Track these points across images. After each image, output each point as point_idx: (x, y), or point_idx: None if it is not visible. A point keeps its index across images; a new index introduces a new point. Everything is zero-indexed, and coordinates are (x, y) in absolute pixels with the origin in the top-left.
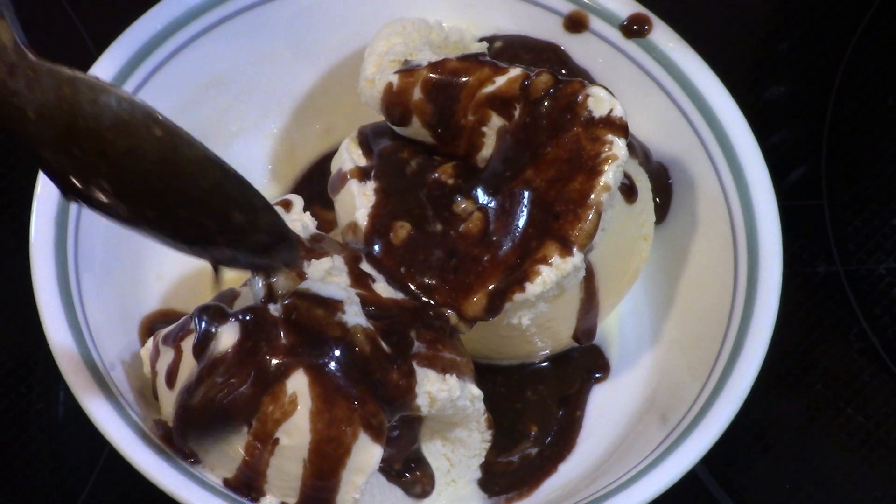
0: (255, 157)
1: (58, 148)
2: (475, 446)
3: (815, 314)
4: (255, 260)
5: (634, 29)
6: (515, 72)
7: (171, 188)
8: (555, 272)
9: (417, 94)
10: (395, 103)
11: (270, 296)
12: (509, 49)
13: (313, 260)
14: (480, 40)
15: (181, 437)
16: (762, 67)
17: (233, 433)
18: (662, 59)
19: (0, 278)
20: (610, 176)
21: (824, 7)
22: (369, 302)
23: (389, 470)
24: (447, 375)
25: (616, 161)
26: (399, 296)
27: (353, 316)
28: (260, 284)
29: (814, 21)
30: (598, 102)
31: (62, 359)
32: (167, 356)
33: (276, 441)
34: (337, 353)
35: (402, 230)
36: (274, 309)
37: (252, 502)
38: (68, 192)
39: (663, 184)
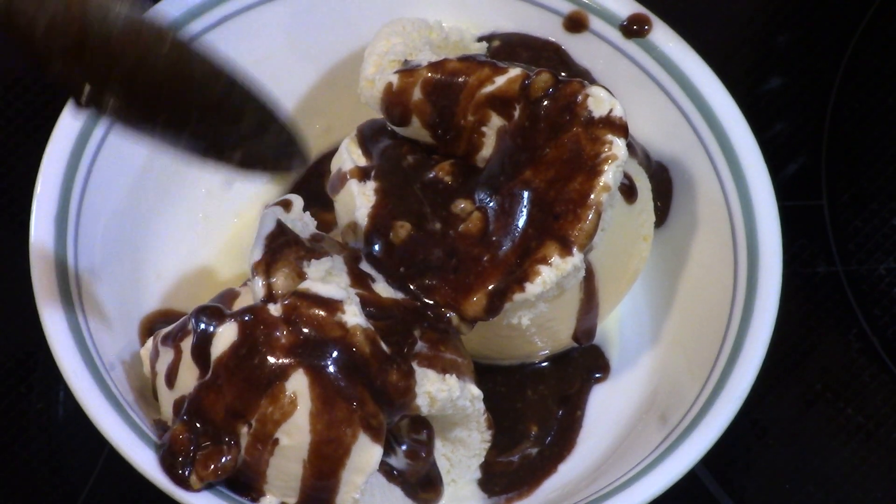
0: None
1: (67, 60)
2: (475, 446)
3: (814, 314)
4: (266, 167)
5: (634, 29)
6: (515, 72)
7: (180, 97)
8: (555, 272)
9: (417, 94)
10: (394, 103)
11: (270, 295)
12: (507, 47)
13: (313, 260)
14: (479, 40)
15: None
16: (762, 63)
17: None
18: (662, 59)
19: (0, 278)
20: (610, 176)
21: (824, 5)
22: (369, 302)
23: (404, 484)
24: (447, 375)
25: (616, 161)
26: (399, 296)
27: (353, 316)
28: (260, 284)
29: (814, 20)
30: (598, 102)
31: (62, 359)
32: (167, 356)
33: (276, 441)
34: (337, 353)
35: (402, 230)
36: (274, 309)
37: (252, 502)
38: (79, 101)
39: (664, 187)
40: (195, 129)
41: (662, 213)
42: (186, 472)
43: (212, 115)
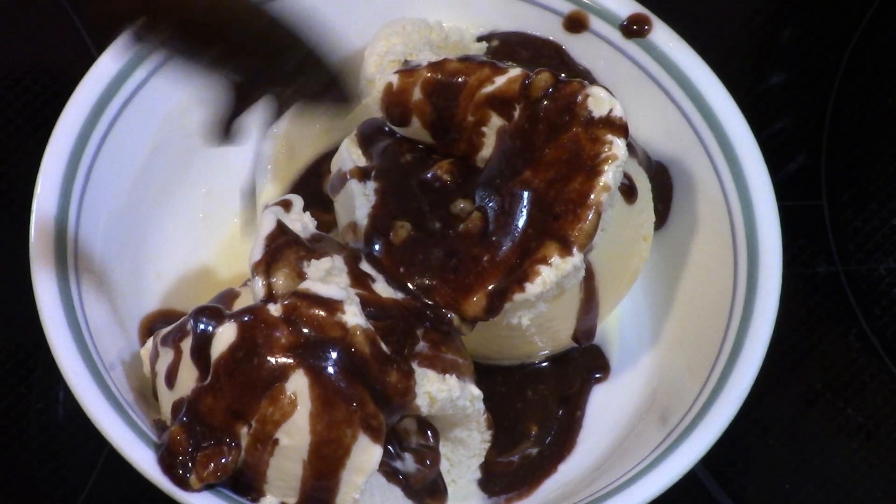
0: (255, 157)
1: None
2: (475, 446)
3: (814, 314)
4: (313, 101)
5: (634, 29)
6: (515, 72)
7: (222, 35)
8: (554, 272)
9: (417, 94)
10: (394, 103)
11: (270, 296)
12: (506, 46)
13: (313, 260)
14: (479, 39)
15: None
16: (761, 63)
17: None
18: (662, 60)
19: (0, 278)
20: (610, 176)
21: (824, 4)
22: (369, 302)
23: (407, 488)
24: (447, 376)
25: (616, 161)
26: (399, 296)
27: (353, 316)
28: (260, 284)
29: (814, 20)
30: (598, 102)
31: (62, 359)
32: (167, 357)
33: (276, 442)
34: (337, 353)
35: (402, 230)
36: (273, 309)
37: (252, 502)
38: (135, 32)
39: (664, 189)
40: (238, 63)
41: (662, 215)
42: (186, 473)
43: (255, 51)
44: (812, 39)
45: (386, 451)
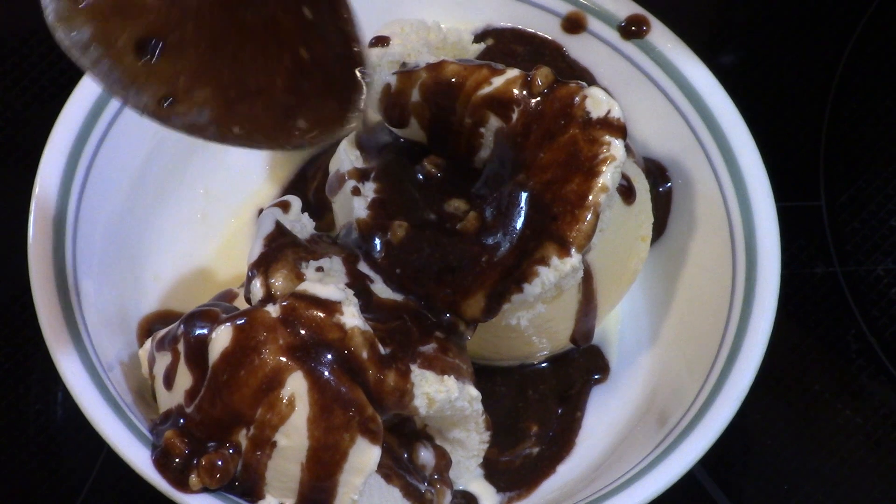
0: (253, 157)
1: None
2: (474, 447)
3: (813, 315)
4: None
5: (633, 30)
6: (513, 73)
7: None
8: (553, 273)
9: (415, 95)
10: (393, 105)
11: (269, 296)
12: (502, 44)
13: (311, 261)
14: (475, 40)
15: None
16: (760, 63)
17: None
18: (661, 60)
19: None
20: (608, 177)
21: (823, 4)
22: (367, 303)
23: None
24: (445, 377)
25: (614, 162)
26: (397, 296)
27: (352, 317)
28: (258, 285)
29: (812, 20)
30: (596, 103)
31: (60, 360)
32: (164, 359)
33: (274, 444)
34: (335, 355)
35: (400, 230)
36: (272, 310)
37: (250, 503)
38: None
39: (663, 192)
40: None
41: (661, 218)
42: (184, 474)
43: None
44: (810, 39)
45: (395, 460)
